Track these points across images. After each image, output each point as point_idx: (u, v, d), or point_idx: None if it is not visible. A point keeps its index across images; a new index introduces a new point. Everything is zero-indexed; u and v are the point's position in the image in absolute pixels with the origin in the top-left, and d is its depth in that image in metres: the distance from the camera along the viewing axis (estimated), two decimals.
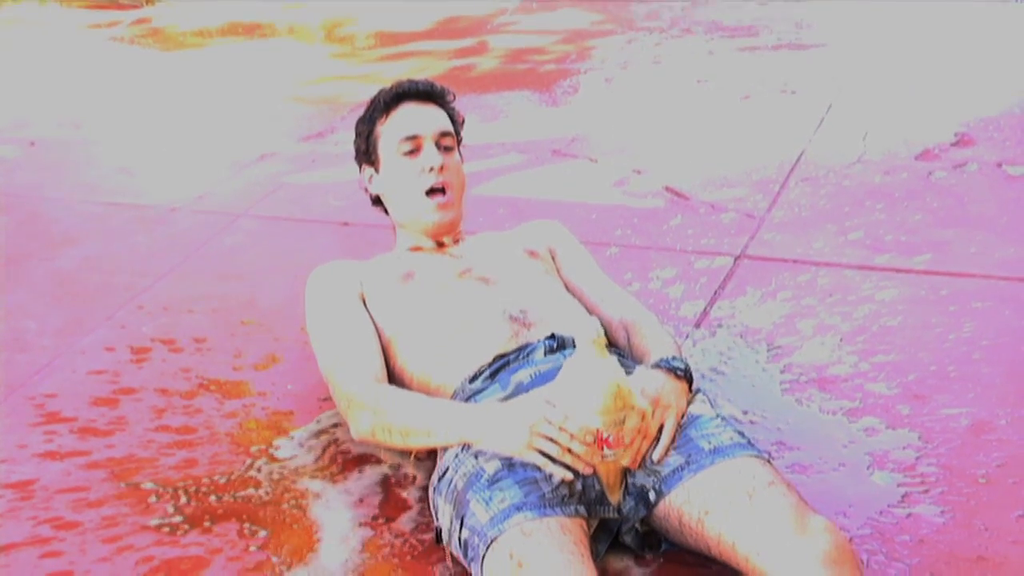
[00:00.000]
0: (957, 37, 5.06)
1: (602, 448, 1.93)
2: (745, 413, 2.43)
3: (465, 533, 1.92)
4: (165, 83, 5.20)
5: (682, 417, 2.04)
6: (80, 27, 6.22)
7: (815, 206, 3.41)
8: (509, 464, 1.96)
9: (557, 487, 1.92)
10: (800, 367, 2.61)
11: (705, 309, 2.88)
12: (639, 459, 1.97)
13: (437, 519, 2.06)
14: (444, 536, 2.02)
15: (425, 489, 2.24)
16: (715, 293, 2.95)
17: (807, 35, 5.20)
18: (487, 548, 1.85)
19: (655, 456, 1.97)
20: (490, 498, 1.91)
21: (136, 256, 3.36)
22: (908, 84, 4.45)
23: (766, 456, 1.98)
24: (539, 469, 1.94)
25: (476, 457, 2.00)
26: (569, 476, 1.93)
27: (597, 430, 1.92)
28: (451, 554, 2.02)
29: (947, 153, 3.73)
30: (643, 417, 1.96)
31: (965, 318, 2.76)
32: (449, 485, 2.01)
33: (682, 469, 1.95)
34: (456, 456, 2.04)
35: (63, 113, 4.73)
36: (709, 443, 1.98)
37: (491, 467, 1.97)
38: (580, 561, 1.80)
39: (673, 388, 2.06)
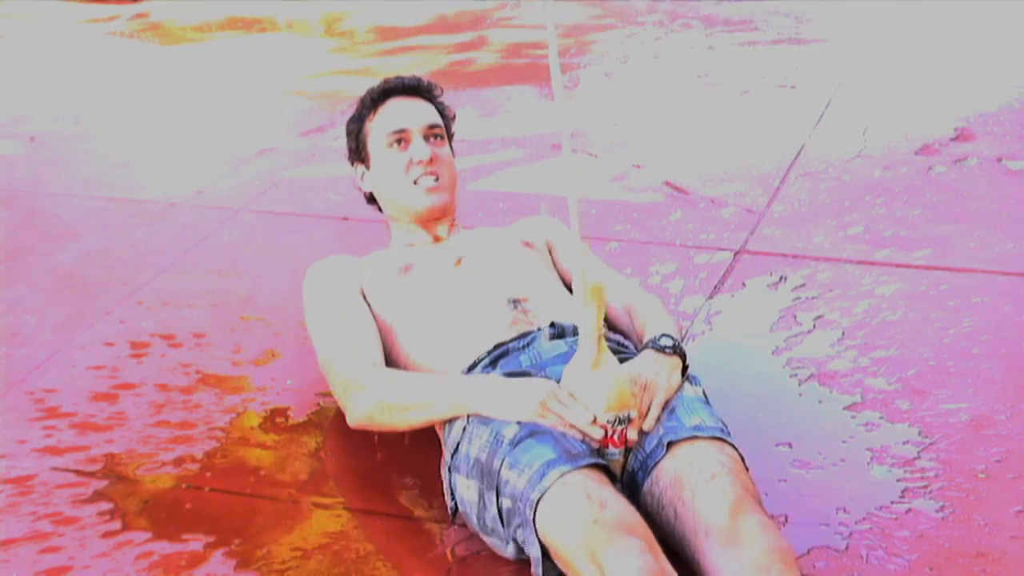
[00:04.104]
0: (957, 32, 5.05)
1: (607, 446, 1.95)
2: (744, 408, 2.43)
3: (505, 502, 1.92)
4: (164, 78, 5.19)
5: (675, 392, 2.06)
6: (79, 21, 6.20)
7: (815, 201, 3.41)
8: (525, 427, 1.97)
9: (581, 440, 1.94)
10: (800, 362, 2.61)
11: (705, 304, 2.87)
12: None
13: (452, 497, 2.07)
14: (471, 512, 2.02)
15: (423, 475, 2.24)
16: (715, 288, 2.95)
17: (807, 30, 5.19)
18: (535, 508, 1.84)
19: (645, 426, 1.99)
20: (517, 460, 1.91)
21: (135, 251, 3.35)
22: (908, 79, 4.45)
23: (727, 439, 1.98)
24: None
25: (487, 425, 2.01)
26: (579, 436, 1.94)
27: (604, 426, 1.94)
28: (451, 526, 2.06)
29: (947, 148, 3.73)
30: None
31: (965, 313, 2.76)
32: (468, 459, 2.01)
33: (656, 452, 1.97)
34: (464, 429, 2.05)
35: (62, 108, 4.72)
36: (688, 420, 2.00)
37: (509, 432, 1.97)
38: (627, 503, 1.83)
39: (662, 366, 2.08)
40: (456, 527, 2.11)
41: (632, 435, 1.96)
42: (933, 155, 3.68)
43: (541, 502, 1.84)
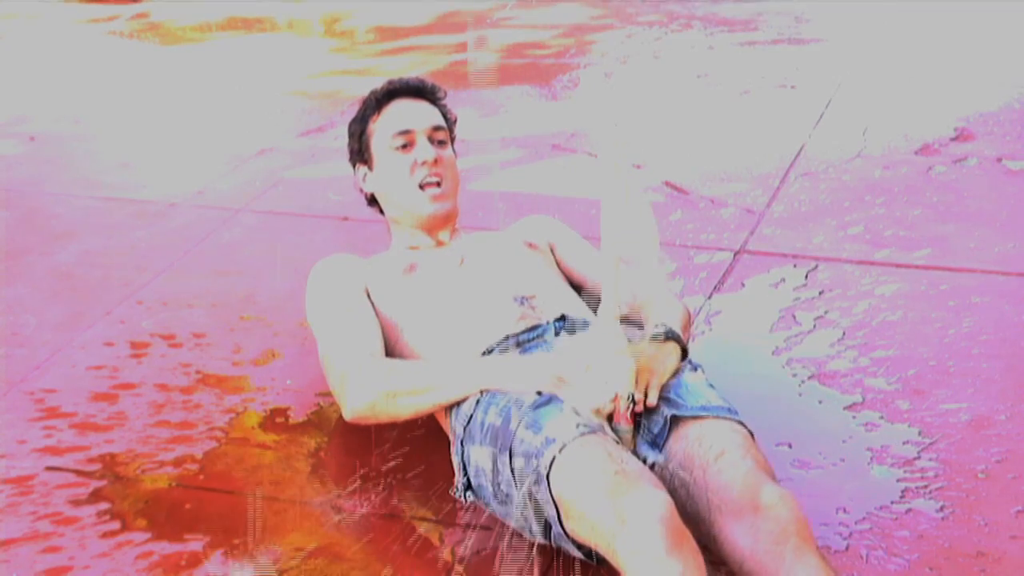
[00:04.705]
0: (957, 32, 5.05)
1: (618, 422, 1.98)
2: (744, 408, 2.42)
3: (518, 462, 1.92)
4: (164, 78, 5.19)
5: (673, 372, 2.08)
6: (79, 21, 6.21)
7: (815, 201, 3.41)
8: (545, 395, 1.99)
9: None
10: (800, 362, 2.61)
11: (705, 304, 2.87)
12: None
13: (465, 473, 2.08)
14: (485, 482, 2.02)
15: (423, 475, 2.24)
16: (715, 288, 2.95)
17: (807, 30, 5.19)
18: (551, 463, 1.85)
19: (648, 402, 2.01)
20: (535, 422, 1.92)
21: (135, 251, 3.35)
22: (908, 79, 4.45)
23: (735, 417, 2.00)
24: None
25: (505, 394, 2.02)
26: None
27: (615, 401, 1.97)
28: (461, 500, 2.09)
29: (947, 148, 3.73)
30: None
31: (964, 313, 2.76)
32: (482, 427, 2.02)
33: (663, 431, 1.98)
34: (477, 402, 2.06)
35: (62, 108, 4.72)
36: (692, 401, 2.03)
37: (529, 397, 1.99)
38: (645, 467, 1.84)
39: (657, 350, 2.10)
40: (456, 528, 2.11)
41: (641, 395, 1.99)
42: (933, 155, 3.68)
43: (559, 456, 1.84)
